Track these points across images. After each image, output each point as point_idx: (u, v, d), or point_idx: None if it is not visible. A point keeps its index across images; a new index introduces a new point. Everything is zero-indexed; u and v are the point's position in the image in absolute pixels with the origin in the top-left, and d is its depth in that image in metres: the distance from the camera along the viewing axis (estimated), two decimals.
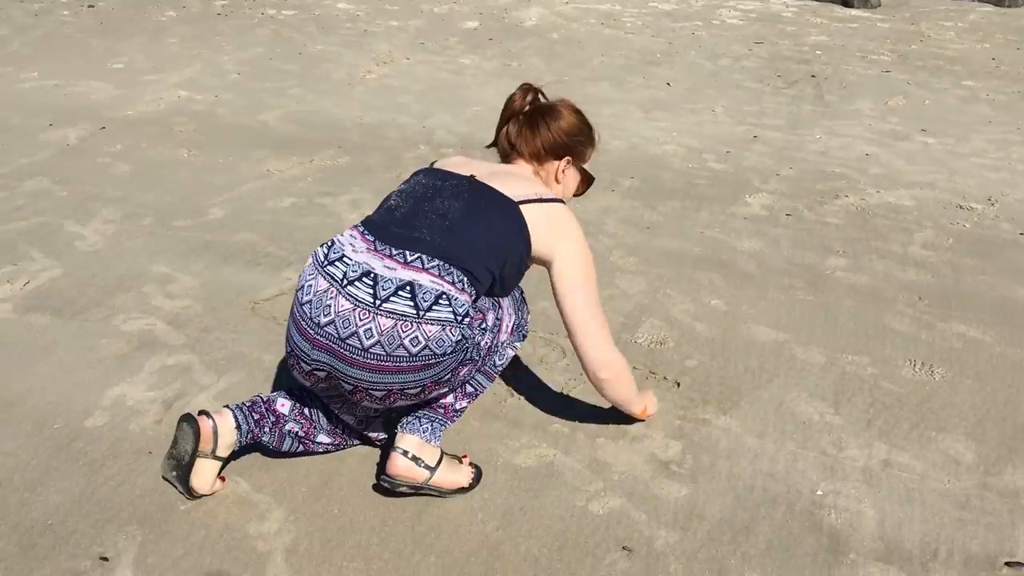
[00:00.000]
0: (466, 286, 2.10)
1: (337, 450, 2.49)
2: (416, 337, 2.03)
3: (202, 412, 2.30)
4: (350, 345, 2.05)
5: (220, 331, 3.15)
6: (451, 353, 2.08)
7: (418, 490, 2.32)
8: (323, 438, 2.43)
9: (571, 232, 2.27)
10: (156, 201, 4.28)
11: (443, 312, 2.04)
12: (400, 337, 2.03)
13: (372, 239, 2.15)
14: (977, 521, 2.39)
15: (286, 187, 4.54)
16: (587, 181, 2.54)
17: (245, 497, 2.35)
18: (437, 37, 8.24)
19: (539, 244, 2.22)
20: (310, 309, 2.10)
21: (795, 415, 2.81)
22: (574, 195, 2.56)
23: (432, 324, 2.04)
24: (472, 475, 2.42)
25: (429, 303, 2.03)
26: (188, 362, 2.96)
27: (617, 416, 2.68)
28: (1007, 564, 2.23)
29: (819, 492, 2.47)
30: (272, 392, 2.49)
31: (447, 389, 2.22)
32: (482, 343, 2.20)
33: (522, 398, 2.84)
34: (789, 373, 3.04)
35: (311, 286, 2.13)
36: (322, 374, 2.15)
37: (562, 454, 2.59)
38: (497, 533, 2.28)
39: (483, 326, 2.19)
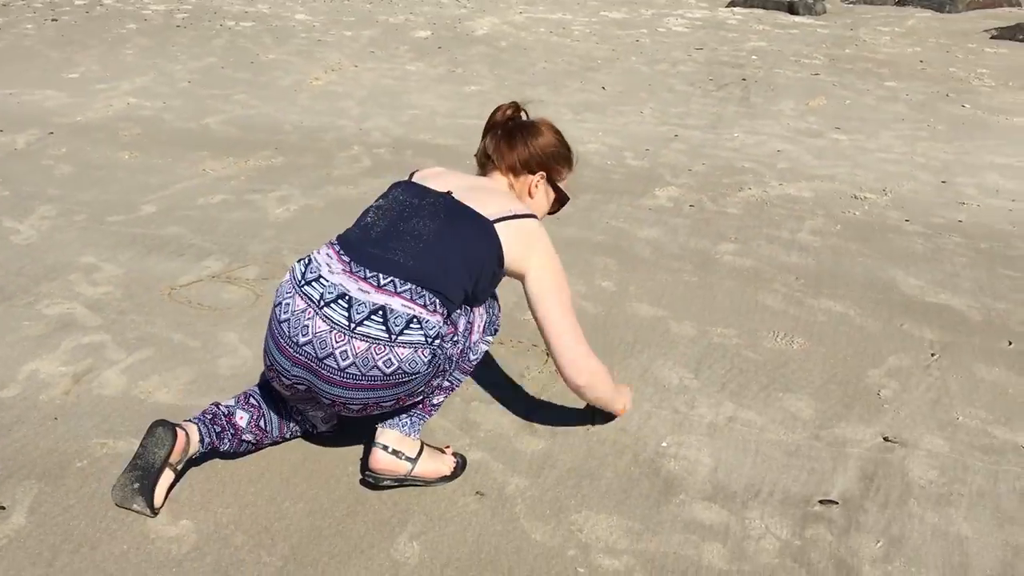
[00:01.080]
0: (438, 307, 2.19)
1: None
2: (389, 359, 2.14)
3: (175, 424, 2.34)
4: (327, 365, 2.15)
5: (135, 314, 3.39)
6: (423, 372, 2.20)
7: (402, 482, 2.43)
8: (269, 442, 2.59)
9: (543, 245, 2.35)
10: (92, 199, 4.52)
11: (414, 335, 2.14)
12: (374, 359, 2.13)
13: (348, 260, 2.23)
14: (802, 467, 2.65)
15: (218, 185, 4.79)
16: (561, 201, 2.62)
17: None
18: (388, 46, 8.52)
19: (512, 260, 2.31)
20: (288, 328, 2.19)
21: (657, 380, 3.07)
22: (548, 213, 2.64)
23: (404, 347, 2.13)
24: (455, 463, 2.54)
25: (401, 327, 2.13)
26: (101, 341, 3.19)
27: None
28: (820, 502, 2.49)
29: (664, 444, 2.73)
30: (228, 402, 2.53)
31: (421, 397, 2.35)
32: (453, 353, 2.30)
33: None
34: (660, 344, 3.30)
35: (288, 305, 2.22)
36: (302, 387, 2.26)
37: (438, 416, 2.83)
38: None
39: (455, 339, 2.29)
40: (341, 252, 2.26)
